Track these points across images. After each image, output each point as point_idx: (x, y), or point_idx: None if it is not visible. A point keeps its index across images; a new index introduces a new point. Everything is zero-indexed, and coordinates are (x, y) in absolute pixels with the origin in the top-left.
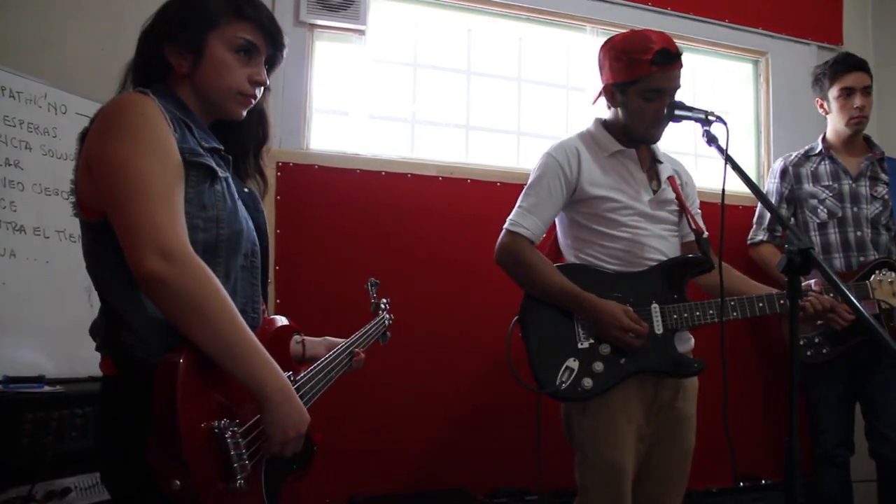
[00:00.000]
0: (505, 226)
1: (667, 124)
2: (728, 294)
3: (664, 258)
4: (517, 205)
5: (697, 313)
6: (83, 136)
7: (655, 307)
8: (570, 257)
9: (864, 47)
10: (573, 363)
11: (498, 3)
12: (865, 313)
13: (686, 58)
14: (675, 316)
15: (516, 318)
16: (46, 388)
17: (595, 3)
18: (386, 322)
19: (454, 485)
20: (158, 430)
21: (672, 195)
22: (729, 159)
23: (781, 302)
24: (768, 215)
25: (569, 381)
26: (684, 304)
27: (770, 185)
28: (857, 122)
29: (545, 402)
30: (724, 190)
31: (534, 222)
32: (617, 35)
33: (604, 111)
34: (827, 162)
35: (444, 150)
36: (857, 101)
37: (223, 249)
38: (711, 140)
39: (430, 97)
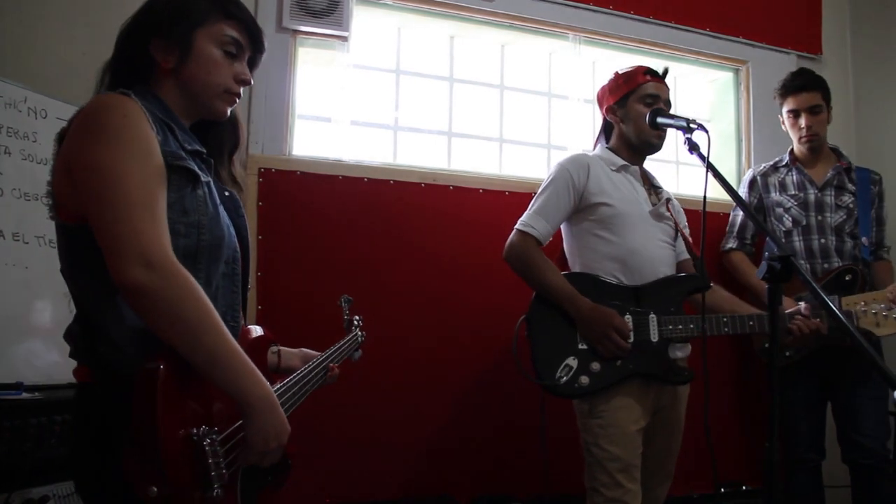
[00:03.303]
0: (516, 226)
1: (665, 133)
2: (720, 311)
3: (662, 266)
4: (529, 207)
5: (691, 325)
6: (61, 137)
7: (653, 317)
8: (574, 265)
9: (842, 56)
10: (573, 361)
11: (481, 10)
12: (845, 320)
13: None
14: (670, 326)
15: (524, 316)
16: (25, 395)
17: (578, 12)
18: (359, 339)
19: (439, 492)
20: (137, 436)
21: (668, 213)
22: (710, 167)
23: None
24: (738, 223)
25: (567, 378)
26: (680, 316)
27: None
28: (807, 140)
29: (533, 409)
30: (705, 197)
31: (543, 224)
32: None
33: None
34: (794, 172)
35: (427, 157)
36: (803, 121)
37: (204, 256)
38: (693, 148)
39: (413, 104)
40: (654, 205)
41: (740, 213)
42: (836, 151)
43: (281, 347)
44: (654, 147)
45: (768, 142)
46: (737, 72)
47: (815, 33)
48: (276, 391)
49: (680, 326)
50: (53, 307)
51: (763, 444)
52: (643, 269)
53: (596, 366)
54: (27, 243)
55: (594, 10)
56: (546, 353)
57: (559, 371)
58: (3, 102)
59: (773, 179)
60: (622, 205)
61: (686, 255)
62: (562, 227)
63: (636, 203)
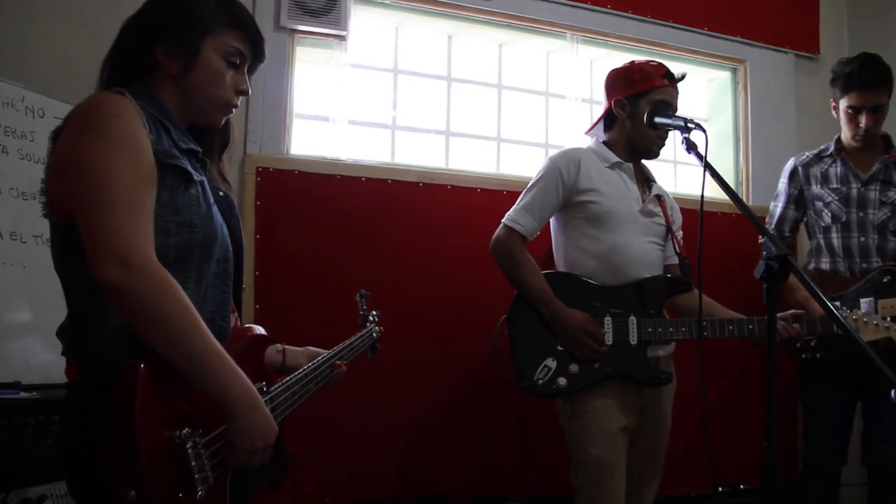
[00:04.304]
0: (503, 220)
1: (665, 138)
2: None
3: (648, 266)
4: (517, 202)
5: (671, 329)
6: (56, 135)
7: (633, 319)
8: (559, 261)
9: (840, 56)
10: (551, 362)
11: (479, 10)
12: (844, 322)
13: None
14: (649, 329)
15: (505, 316)
16: (22, 395)
17: (576, 11)
18: (374, 334)
19: (435, 492)
20: (115, 437)
21: (659, 210)
22: (708, 166)
23: (750, 327)
24: (777, 215)
25: (545, 379)
26: (659, 319)
27: (780, 185)
28: (861, 139)
29: (529, 409)
30: (702, 196)
31: (529, 220)
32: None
33: (599, 136)
34: (838, 164)
35: (425, 156)
36: (863, 121)
37: (196, 254)
38: (691, 147)
39: (411, 103)
40: (644, 202)
41: (780, 205)
42: (886, 140)
43: (286, 346)
44: (652, 154)
45: (766, 141)
46: (735, 71)
47: (812, 32)
48: (274, 390)
49: (660, 329)
50: (51, 306)
51: (763, 442)
52: (628, 268)
53: (574, 367)
54: (25, 242)
55: (592, 10)
56: (525, 354)
57: (538, 372)
58: (0, 102)
59: (816, 170)
60: (611, 202)
61: (674, 260)
62: (550, 221)
63: (626, 201)
